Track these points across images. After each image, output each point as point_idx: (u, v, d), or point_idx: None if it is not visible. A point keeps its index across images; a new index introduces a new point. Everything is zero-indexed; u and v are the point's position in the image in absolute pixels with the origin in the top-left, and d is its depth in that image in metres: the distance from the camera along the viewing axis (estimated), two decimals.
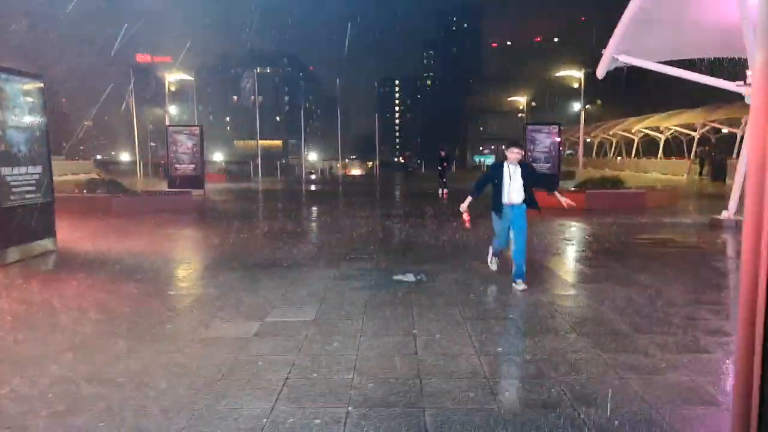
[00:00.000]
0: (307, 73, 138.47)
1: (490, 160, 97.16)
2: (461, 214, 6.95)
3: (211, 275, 7.64)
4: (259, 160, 41.15)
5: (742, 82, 11.01)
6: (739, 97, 12.01)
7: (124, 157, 61.97)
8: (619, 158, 48.14)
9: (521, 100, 60.90)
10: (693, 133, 35.60)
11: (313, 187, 30.67)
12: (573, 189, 16.19)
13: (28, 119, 8.71)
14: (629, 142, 46.72)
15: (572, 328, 5.05)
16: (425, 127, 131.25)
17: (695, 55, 12.60)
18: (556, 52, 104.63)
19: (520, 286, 6.40)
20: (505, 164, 6.42)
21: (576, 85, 41.35)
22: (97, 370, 4.14)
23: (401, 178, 41.59)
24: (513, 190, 6.35)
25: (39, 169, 8.91)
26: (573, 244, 10.07)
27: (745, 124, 28.03)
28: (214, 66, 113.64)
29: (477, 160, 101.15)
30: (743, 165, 11.70)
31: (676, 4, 11.10)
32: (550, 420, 3.33)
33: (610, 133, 48.45)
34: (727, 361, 4.27)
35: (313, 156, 78.19)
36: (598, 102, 74.58)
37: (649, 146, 44.91)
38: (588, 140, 51.86)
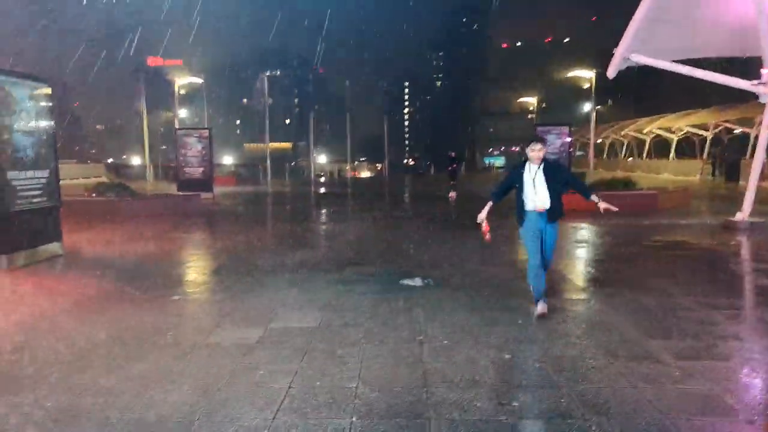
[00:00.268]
0: (316, 75, 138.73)
1: (500, 161, 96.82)
2: (480, 224, 5.62)
3: (215, 280, 7.58)
4: (268, 163, 41.19)
5: (757, 81, 10.79)
6: (751, 97, 11.80)
7: (135, 160, 62.30)
8: (630, 159, 47.68)
9: (531, 101, 60.56)
10: (705, 134, 35.16)
11: (322, 190, 30.62)
12: None
13: (35, 123, 8.70)
14: (641, 143, 46.25)
15: (584, 334, 4.92)
16: (435, 129, 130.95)
17: (708, 54, 12.39)
18: (567, 52, 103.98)
19: (539, 309, 5.45)
20: (527, 164, 5.48)
21: (587, 86, 41.07)
22: (93, 377, 4.07)
23: (411, 181, 41.46)
24: (538, 194, 5.38)
25: (46, 173, 8.89)
26: (584, 247, 9.91)
27: (759, 123, 27.64)
28: (223, 69, 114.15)
29: (487, 161, 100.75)
30: (758, 165, 11.48)
31: (688, 2, 10.92)
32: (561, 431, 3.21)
33: (621, 133, 48.00)
34: (745, 369, 4.12)
35: (322, 158, 78.24)
36: (609, 102, 73.99)
37: (660, 147, 44.44)
38: (599, 141, 51.43)
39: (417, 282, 6.98)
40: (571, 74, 44.05)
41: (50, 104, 9.06)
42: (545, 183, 5.36)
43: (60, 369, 4.23)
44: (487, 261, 8.40)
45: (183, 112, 46.98)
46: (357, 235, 11.54)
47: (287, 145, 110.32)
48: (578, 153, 57.16)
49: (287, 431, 3.26)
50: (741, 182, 24.18)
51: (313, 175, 45.71)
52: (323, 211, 18.32)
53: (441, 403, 3.57)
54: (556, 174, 5.44)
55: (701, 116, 35.12)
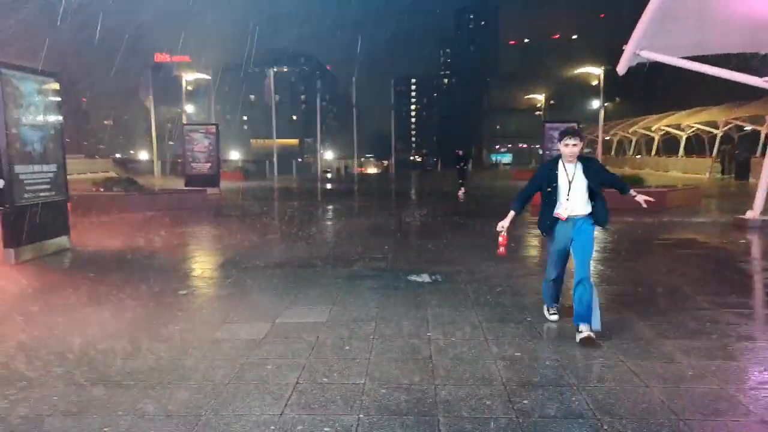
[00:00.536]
0: (323, 72, 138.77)
1: (507, 158, 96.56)
2: (498, 234, 4.83)
3: (222, 275, 7.56)
4: (275, 159, 41.21)
5: None
6: (763, 95, 11.66)
7: (143, 155, 62.52)
8: (638, 156, 47.38)
9: (539, 98, 60.30)
10: (715, 131, 34.86)
11: (328, 186, 30.60)
12: None
13: (43, 117, 8.70)
14: (649, 140, 45.97)
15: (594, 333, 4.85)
16: (441, 126, 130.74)
17: (720, 50, 12.21)
18: (575, 49, 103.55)
19: (583, 332, 4.51)
20: (560, 162, 4.68)
21: (595, 83, 40.84)
22: (100, 370, 4.05)
23: (417, 177, 41.37)
24: (573, 197, 4.61)
25: (53, 167, 8.90)
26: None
27: None
28: (231, 65, 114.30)
29: (494, 158, 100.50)
30: None
31: None
32: (571, 431, 3.16)
33: (630, 131, 47.72)
34: (758, 369, 4.05)
35: (328, 154, 78.25)
36: (617, 99, 73.59)
37: (669, 144, 44.13)
38: (607, 138, 51.13)
39: (425, 278, 6.93)
40: (578, 71, 43.83)
41: (58, 99, 9.06)
42: (584, 184, 4.59)
43: (66, 363, 4.21)
44: (496, 258, 8.34)
45: (190, 108, 47.03)
46: (365, 232, 11.50)
47: (294, 141, 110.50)
48: (586, 150, 56.91)
49: (294, 427, 3.23)
50: (751, 180, 23.96)
51: (319, 171, 45.68)
52: (329, 207, 18.29)
53: (449, 401, 3.53)
54: (596, 173, 4.64)
55: (711, 113, 34.83)
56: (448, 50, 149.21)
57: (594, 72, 40.20)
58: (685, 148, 39.94)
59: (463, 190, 20.69)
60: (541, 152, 23.95)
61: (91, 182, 18.46)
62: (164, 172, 41.49)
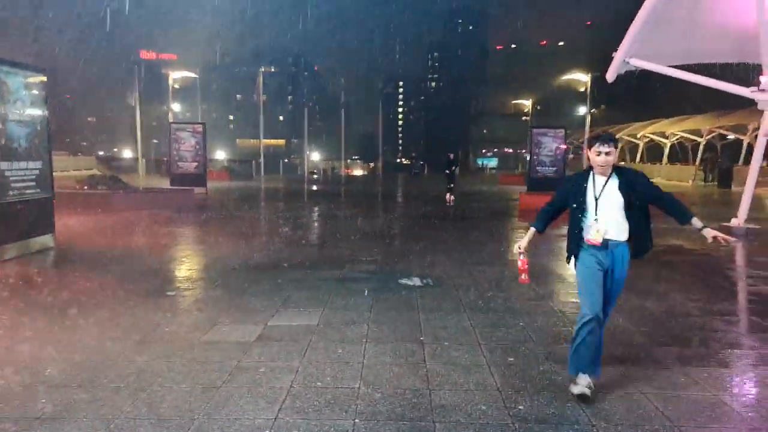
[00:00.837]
0: (311, 73, 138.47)
1: (493, 162, 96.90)
2: (518, 256, 4.09)
3: (211, 276, 7.47)
4: (261, 159, 40.96)
5: (755, 88, 10.81)
6: (746, 105, 11.85)
7: (127, 153, 61.82)
8: (622, 163, 47.83)
9: (526, 103, 60.69)
10: (699, 139, 35.35)
11: (314, 187, 30.50)
12: None
13: (30, 113, 8.56)
14: (634, 147, 46.48)
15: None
16: (428, 129, 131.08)
17: (707, 59, 12.40)
18: (562, 56, 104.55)
19: (581, 384, 3.61)
20: (591, 174, 3.81)
21: (581, 89, 41.19)
22: (89, 374, 3.97)
23: (405, 180, 41.39)
24: (603, 218, 3.69)
25: (39, 164, 8.75)
26: None
27: (752, 131, 27.82)
28: (218, 64, 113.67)
29: (480, 162, 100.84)
30: (755, 171, 11.51)
31: (689, 7, 10.92)
32: None
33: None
34: (748, 376, 4.09)
35: (315, 156, 78.04)
36: (602, 107, 74.36)
37: (654, 152, 44.66)
38: None
39: (416, 282, 6.92)
40: (565, 78, 44.21)
41: (44, 94, 8.92)
42: (619, 202, 3.67)
43: (56, 367, 4.13)
44: (488, 261, 8.35)
45: (176, 107, 46.60)
46: (354, 234, 11.46)
47: (281, 141, 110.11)
48: (571, 156, 57.39)
49: (289, 431, 3.19)
50: (733, 188, 24.33)
51: (306, 172, 45.49)
52: (317, 209, 18.21)
53: (444, 406, 3.51)
54: (635, 188, 3.71)
55: (695, 122, 35.31)
56: (436, 54, 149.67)
57: (581, 79, 40.57)
58: (669, 155, 40.45)
59: (451, 194, 20.61)
60: (527, 157, 24.09)
61: (75, 180, 18.20)
62: (148, 170, 41.02)
